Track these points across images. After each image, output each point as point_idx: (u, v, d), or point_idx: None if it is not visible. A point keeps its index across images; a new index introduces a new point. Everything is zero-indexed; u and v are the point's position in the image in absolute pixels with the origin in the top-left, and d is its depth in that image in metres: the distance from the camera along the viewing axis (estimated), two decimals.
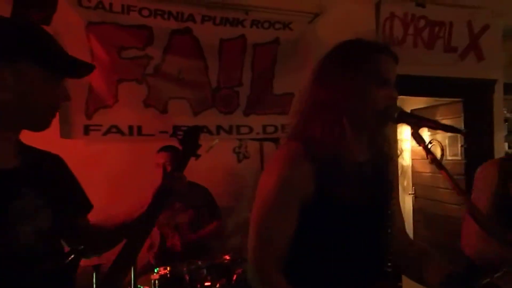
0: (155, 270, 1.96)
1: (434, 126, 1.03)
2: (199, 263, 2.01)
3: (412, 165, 4.54)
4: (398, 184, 1.35)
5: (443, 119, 3.88)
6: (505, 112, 3.62)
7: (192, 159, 1.35)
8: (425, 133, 3.98)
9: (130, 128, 2.52)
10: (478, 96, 3.47)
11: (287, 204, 1.03)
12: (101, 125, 2.46)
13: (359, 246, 1.07)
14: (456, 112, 3.71)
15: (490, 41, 3.32)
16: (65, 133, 2.37)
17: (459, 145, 3.73)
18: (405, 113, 1.06)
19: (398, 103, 1.10)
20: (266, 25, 2.72)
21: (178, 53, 2.58)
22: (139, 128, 2.53)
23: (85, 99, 2.42)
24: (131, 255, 1.12)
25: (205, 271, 1.97)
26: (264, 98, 2.81)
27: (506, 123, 3.65)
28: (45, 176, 1.00)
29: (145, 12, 2.47)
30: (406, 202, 4.53)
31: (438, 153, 4.02)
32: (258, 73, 2.78)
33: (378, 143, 1.14)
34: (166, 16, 2.52)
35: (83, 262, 1.05)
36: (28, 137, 1.01)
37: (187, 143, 1.37)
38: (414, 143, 1.00)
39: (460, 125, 3.55)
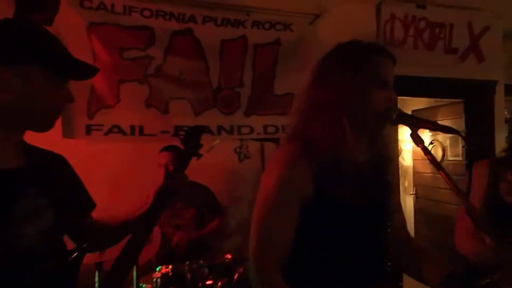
0: (157, 269, 1.97)
1: (433, 127, 1.04)
2: (201, 262, 2.02)
3: (413, 165, 4.55)
4: (398, 184, 1.36)
5: (444, 120, 3.89)
6: (506, 113, 3.62)
7: (194, 158, 1.36)
8: (426, 134, 3.99)
9: (132, 128, 2.53)
10: (479, 97, 3.47)
11: (287, 204, 1.04)
12: (103, 125, 2.47)
13: (358, 246, 1.08)
14: (457, 113, 3.72)
15: (491, 42, 3.32)
16: (67, 133, 2.38)
17: (460, 146, 3.74)
18: (404, 114, 1.07)
19: (399, 104, 1.11)
20: (267, 26, 2.73)
21: (179, 54, 2.59)
22: (141, 128, 2.54)
23: (87, 99, 2.43)
24: (133, 254, 1.14)
25: (206, 270, 1.98)
26: (265, 98, 2.82)
27: (507, 124, 3.65)
28: (48, 176, 1.01)
29: (147, 13, 2.48)
30: (407, 203, 4.53)
31: (439, 154, 4.03)
32: (259, 73, 2.79)
33: (377, 144, 1.14)
34: (167, 17, 2.53)
35: (86, 260, 1.06)
36: (30, 137, 1.02)
37: (189, 143, 1.38)
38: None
39: (461, 126, 3.55)
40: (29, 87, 0.91)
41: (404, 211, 1.33)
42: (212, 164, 2.25)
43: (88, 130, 2.44)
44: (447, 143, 3.98)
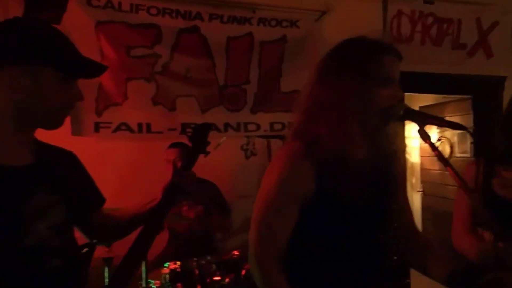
0: (166, 265, 1.99)
1: (440, 123, 1.04)
2: (209, 258, 2.04)
3: (421, 162, 4.52)
4: (405, 181, 1.36)
5: (452, 116, 3.86)
6: None
7: (201, 155, 1.37)
8: (434, 131, 3.96)
9: (139, 125, 2.54)
10: (487, 93, 3.43)
11: (287, 202, 1.04)
12: (111, 123, 2.49)
13: (360, 245, 1.08)
14: (465, 109, 3.69)
15: (500, 38, 3.28)
16: (76, 130, 2.40)
17: (468, 142, 3.71)
18: (411, 110, 1.07)
19: (406, 101, 1.11)
20: (273, 23, 2.73)
21: (186, 52, 2.59)
22: (148, 126, 2.56)
23: (95, 97, 2.45)
24: (142, 250, 1.15)
25: (214, 266, 2.00)
26: (271, 95, 2.82)
27: None
28: (59, 173, 1.02)
29: (153, 11, 2.49)
30: (415, 200, 4.51)
31: (447, 151, 4.00)
32: (265, 70, 2.79)
33: (382, 142, 1.14)
34: (174, 14, 2.53)
35: (95, 255, 1.08)
36: (40, 134, 1.04)
37: (197, 140, 1.39)
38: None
39: (469, 122, 3.52)
40: (40, 86, 0.92)
41: (411, 208, 1.32)
42: (218, 161, 2.27)
43: (97, 127, 2.46)
44: (455, 139, 3.95)
